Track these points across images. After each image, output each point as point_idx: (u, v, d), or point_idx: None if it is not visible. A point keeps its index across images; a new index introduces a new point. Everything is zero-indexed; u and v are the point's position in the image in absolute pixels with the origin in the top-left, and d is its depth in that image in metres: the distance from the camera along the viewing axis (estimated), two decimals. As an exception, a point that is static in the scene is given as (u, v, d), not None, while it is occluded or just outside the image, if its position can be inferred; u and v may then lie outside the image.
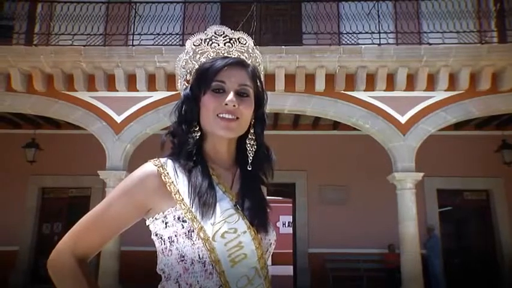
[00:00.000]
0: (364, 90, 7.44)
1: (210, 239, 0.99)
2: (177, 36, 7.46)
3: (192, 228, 0.99)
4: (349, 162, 9.68)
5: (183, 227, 1.00)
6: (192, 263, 0.99)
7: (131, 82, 7.52)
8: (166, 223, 1.02)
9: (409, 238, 6.88)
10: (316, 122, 9.54)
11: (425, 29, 7.58)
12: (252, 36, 1.27)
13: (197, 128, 1.11)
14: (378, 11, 7.54)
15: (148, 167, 1.07)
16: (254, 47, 1.21)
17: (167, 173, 1.06)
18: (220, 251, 0.99)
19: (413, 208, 6.93)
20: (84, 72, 7.45)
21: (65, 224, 9.65)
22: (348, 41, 7.56)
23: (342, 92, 7.51)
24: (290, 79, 7.41)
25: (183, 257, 0.99)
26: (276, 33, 7.96)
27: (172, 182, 1.05)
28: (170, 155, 1.11)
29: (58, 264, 1.04)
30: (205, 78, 1.11)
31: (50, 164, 9.66)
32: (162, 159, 1.09)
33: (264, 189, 1.18)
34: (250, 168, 1.13)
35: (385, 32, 7.46)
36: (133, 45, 7.45)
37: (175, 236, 1.00)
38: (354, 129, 8.28)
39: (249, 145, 1.14)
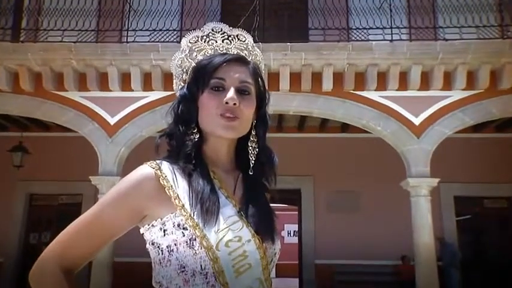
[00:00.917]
0: (375, 90, 7.44)
1: (214, 247, 0.98)
2: (175, 32, 7.48)
3: (194, 236, 0.99)
4: (359, 167, 9.66)
5: (183, 235, 0.99)
6: (193, 274, 0.98)
7: (125, 81, 7.54)
8: (164, 230, 1.02)
9: (424, 249, 6.86)
10: (324, 124, 9.53)
11: (441, 23, 7.57)
12: (254, 32, 1.28)
13: (195, 130, 1.11)
14: (390, 5, 7.54)
15: (145, 169, 1.07)
16: (254, 45, 1.21)
17: (165, 176, 1.06)
18: (224, 260, 0.98)
19: (429, 217, 6.90)
20: (75, 70, 7.47)
21: (54, 234, 9.58)
22: (358, 37, 7.56)
23: (351, 91, 7.51)
24: (295, 78, 7.41)
25: (184, 267, 0.98)
26: (281, 29, 7.98)
27: (171, 186, 1.05)
28: (167, 158, 1.11)
29: (41, 277, 1.02)
30: (203, 76, 1.11)
31: (38, 169, 9.68)
32: (159, 162, 1.09)
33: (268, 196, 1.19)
34: (251, 173, 1.13)
35: (398, 27, 7.46)
36: (127, 42, 7.47)
37: (175, 244, 0.99)
38: (364, 131, 8.26)
39: (250, 148, 1.14)
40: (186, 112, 1.12)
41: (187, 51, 1.18)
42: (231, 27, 1.20)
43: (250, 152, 1.14)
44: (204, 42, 1.18)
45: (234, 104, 1.07)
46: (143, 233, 1.07)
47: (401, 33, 7.51)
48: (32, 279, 1.02)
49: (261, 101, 1.18)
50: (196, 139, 1.10)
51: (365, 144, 9.45)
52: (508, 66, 7.16)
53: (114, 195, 1.06)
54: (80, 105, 7.58)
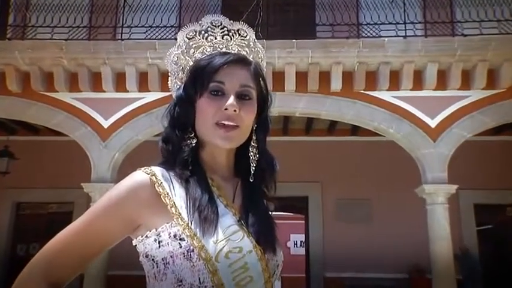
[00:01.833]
0: (388, 90, 7.43)
1: (213, 259, 0.98)
2: (173, 29, 7.50)
3: (191, 248, 0.99)
4: (370, 172, 9.64)
5: (180, 246, 0.99)
6: (191, 288, 0.98)
7: (120, 81, 7.56)
8: (159, 242, 1.01)
9: (441, 261, 6.83)
10: (332, 127, 9.52)
11: (459, 17, 7.56)
12: (258, 28, 1.29)
13: (192, 134, 1.12)
14: (404, -2, 7.56)
15: (139, 175, 1.07)
16: (256, 41, 1.21)
17: (161, 182, 1.06)
18: (224, 273, 0.99)
19: (447, 226, 6.88)
20: (65, 70, 7.50)
21: (43, 245, 9.60)
22: (369, 33, 7.56)
23: (362, 91, 7.50)
24: (302, 77, 7.42)
25: (181, 281, 0.98)
26: (286, 25, 7.98)
27: (167, 194, 1.05)
28: (163, 164, 1.12)
29: None
30: (201, 78, 1.11)
31: (26, 176, 9.70)
32: (154, 168, 1.09)
33: (271, 205, 1.19)
34: (252, 180, 1.13)
35: (412, 22, 7.46)
36: (122, 39, 7.50)
37: (171, 257, 0.99)
38: (376, 134, 8.25)
39: (251, 153, 1.14)
40: (183, 115, 1.12)
41: (184, 47, 1.18)
42: (231, 21, 1.20)
43: (251, 157, 1.14)
44: (203, 37, 1.18)
45: (234, 110, 1.07)
46: (136, 245, 1.07)
47: (416, 29, 7.51)
48: None
49: (263, 104, 1.18)
50: (193, 144, 1.11)
51: (377, 148, 9.42)
52: (532, 64, 7.15)
53: (106, 202, 1.06)
54: (71, 107, 7.60)
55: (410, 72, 7.32)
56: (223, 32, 1.18)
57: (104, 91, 7.58)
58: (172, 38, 7.34)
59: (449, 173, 7.14)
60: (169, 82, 1.23)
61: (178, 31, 1.22)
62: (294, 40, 7.22)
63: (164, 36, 7.47)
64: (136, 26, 7.52)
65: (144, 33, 7.53)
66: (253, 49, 1.20)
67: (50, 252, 1.05)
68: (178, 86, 1.19)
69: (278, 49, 7.06)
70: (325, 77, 7.44)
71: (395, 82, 7.39)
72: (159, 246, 1.01)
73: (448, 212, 6.98)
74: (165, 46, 7.10)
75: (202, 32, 1.18)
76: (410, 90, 7.42)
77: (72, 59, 7.37)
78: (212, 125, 1.08)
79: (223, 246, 1.00)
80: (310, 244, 10.10)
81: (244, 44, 1.19)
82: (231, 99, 1.08)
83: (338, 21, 7.51)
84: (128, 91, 7.55)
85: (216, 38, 1.17)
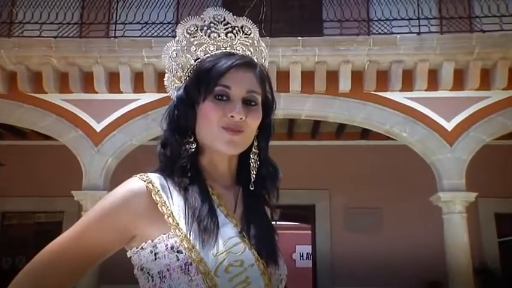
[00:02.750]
0: (400, 91, 7.43)
1: (212, 273, 0.99)
2: (170, 25, 7.53)
3: (189, 261, 0.99)
4: (382, 179, 9.62)
5: (178, 259, 1.00)
6: (188, 304, 0.98)
7: (113, 82, 7.58)
8: (156, 254, 1.02)
9: (459, 276, 6.80)
10: (341, 130, 9.52)
11: (478, 12, 7.56)
12: (261, 25, 1.29)
13: (192, 139, 1.12)
14: (417, -8, 7.57)
15: (135, 183, 1.07)
16: (260, 39, 1.22)
17: (158, 190, 1.06)
18: None
19: (465, 237, 6.85)
20: (55, 69, 7.53)
21: (30, 258, 9.60)
22: (380, 30, 7.57)
23: (373, 92, 7.51)
24: (308, 77, 7.42)
25: None
26: (291, 21, 8.00)
27: (165, 202, 1.05)
28: (160, 170, 1.12)
29: None
30: (206, 81, 1.11)
31: (13, 183, 9.71)
32: (151, 174, 1.10)
33: (275, 214, 1.19)
34: (252, 188, 1.14)
35: (427, 18, 7.46)
36: (115, 37, 7.52)
37: (168, 270, 1.00)
38: (388, 138, 8.24)
39: (252, 160, 1.15)
40: (183, 118, 1.13)
41: (185, 42, 1.19)
42: (234, 16, 1.21)
43: (252, 164, 1.15)
44: (205, 34, 1.18)
45: (241, 118, 1.08)
46: (131, 257, 1.07)
47: (431, 25, 7.52)
48: None
49: (267, 109, 1.18)
50: (192, 149, 1.11)
51: (388, 153, 9.41)
52: (557, 62, 7.14)
53: (98, 212, 1.06)
54: (60, 109, 7.61)
55: (424, 71, 7.32)
56: (226, 28, 1.18)
57: (96, 92, 7.60)
58: (170, 35, 7.36)
59: (468, 179, 7.12)
60: (165, 79, 1.23)
61: (176, 28, 1.22)
62: (299, 37, 7.23)
63: (161, 34, 7.49)
64: (130, 23, 7.55)
65: (139, 30, 7.55)
66: (257, 48, 1.21)
67: (39, 265, 1.05)
68: (177, 86, 1.19)
69: (282, 47, 7.07)
70: (333, 77, 7.44)
71: (408, 82, 7.39)
72: (155, 259, 1.02)
73: (467, 222, 6.96)
74: (161, 44, 7.09)
75: (205, 28, 1.18)
76: (425, 90, 7.41)
77: (62, 57, 7.39)
78: (217, 129, 1.09)
79: (224, 260, 1.00)
80: (317, 256, 10.08)
81: (248, 43, 1.19)
82: (238, 107, 1.09)
83: (347, 17, 7.52)
84: (121, 92, 7.57)
85: (219, 36, 1.18)
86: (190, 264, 0.99)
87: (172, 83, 1.21)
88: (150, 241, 1.03)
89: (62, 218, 9.69)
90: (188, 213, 1.04)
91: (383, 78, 7.46)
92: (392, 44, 7.21)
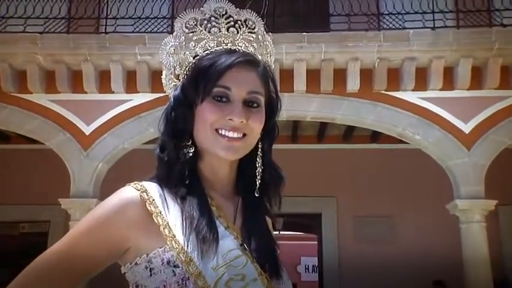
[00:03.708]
0: (413, 90, 7.43)
1: None
2: (165, 20, 7.54)
3: (186, 275, 0.99)
4: (393, 186, 9.62)
5: (174, 274, 1.00)
6: (186, 322, 0.99)
7: (104, 81, 7.58)
8: (151, 269, 1.02)
9: (478, 288, 6.80)
10: (349, 133, 9.52)
11: (498, 5, 7.56)
12: (263, 19, 1.28)
13: (190, 142, 1.12)
14: (432, -16, 7.57)
15: (128, 192, 1.07)
16: (265, 33, 1.21)
17: (153, 200, 1.06)
18: None
19: (485, 248, 6.84)
20: (41, 67, 7.54)
21: (14, 271, 9.50)
22: (391, 25, 7.57)
23: (383, 92, 7.51)
24: (314, 76, 7.43)
25: None
26: (295, 15, 8.00)
27: (160, 213, 1.05)
28: (155, 178, 1.12)
29: None
30: (204, 81, 1.11)
31: (-4, 190, 9.73)
32: (146, 183, 1.10)
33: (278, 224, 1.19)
34: (257, 195, 1.14)
35: (442, 12, 7.47)
36: (106, 33, 7.54)
37: (164, 286, 1.00)
38: (400, 142, 8.24)
39: (258, 164, 1.15)
40: (180, 120, 1.13)
41: (183, 38, 1.19)
42: (237, 9, 1.20)
43: (257, 170, 1.15)
44: (205, 29, 1.18)
45: (241, 122, 1.08)
46: (125, 273, 1.07)
47: (446, 19, 7.52)
48: None
49: (271, 110, 1.18)
50: (190, 154, 1.11)
51: (401, 157, 9.41)
52: None
53: (90, 223, 1.06)
54: (47, 111, 7.62)
55: (439, 69, 7.32)
56: (228, 22, 1.18)
57: (86, 92, 7.61)
58: (165, 31, 7.36)
59: (487, 186, 7.11)
60: (163, 77, 1.23)
61: (171, 24, 1.23)
62: (304, 33, 7.25)
63: (155, 29, 7.50)
64: (122, 18, 7.56)
65: (132, 25, 7.57)
66: (261, 44, 1.21)
67: (28, 280, 1.05)
68: (175, 84, 1.19)
69: (286, 43, 7.07)
70: (340, 76, 7.44)
71: (422, 81, 7.39)
72: (151, 275, 1.02)
73: (486, 231, 6.94)
74: (155, 40, 7.11)
75: (205, 22, 1.18)
76: (440, 90, 7.41)
77: (49, 55, 7.40)
78: (213, 132, 1.08)
79: (223, 274, 1.00)
80: (323, 268, 10.07)
81: (252, 39, 1.19)
82: (238, 109, 1.09)
83: (355, 11, 7.53)
84: (113, 92, 7.57)
85: (220, 31, 1.17)
86: (188, 279, 0.99)
87: (170, 81, 1.21)
88: (145, 256, 1.03)
89: (47, 229, 9.68)
90: (186, 223, 1.04)
91: (395, 77, 7.46)
92: (404, 40, 7.21)
